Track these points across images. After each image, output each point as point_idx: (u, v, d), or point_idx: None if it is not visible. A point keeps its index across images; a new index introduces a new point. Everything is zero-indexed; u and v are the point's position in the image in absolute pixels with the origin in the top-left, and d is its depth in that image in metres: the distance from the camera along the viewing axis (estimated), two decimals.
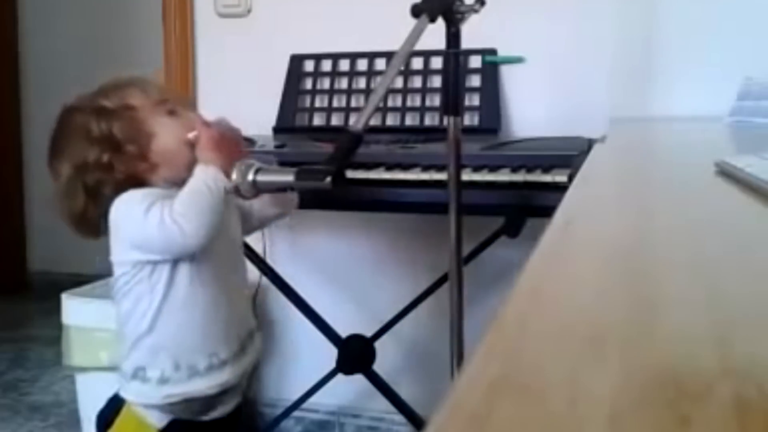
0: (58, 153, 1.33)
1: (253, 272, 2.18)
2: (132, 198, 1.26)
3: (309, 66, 2.17)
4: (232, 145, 1.29)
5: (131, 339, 1.31)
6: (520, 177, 1.56)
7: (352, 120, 1.63)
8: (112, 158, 1.28)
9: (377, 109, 1.98)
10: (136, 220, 1.23)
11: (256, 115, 2.17)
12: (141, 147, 1.29)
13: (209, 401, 1.35)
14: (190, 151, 1.29)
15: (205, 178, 1.23)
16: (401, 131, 2.01)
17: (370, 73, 2.11)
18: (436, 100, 2.03)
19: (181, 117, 1.33)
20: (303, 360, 2.29)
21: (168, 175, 1.31)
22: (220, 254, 1.32)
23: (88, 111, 1.31)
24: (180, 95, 1.36)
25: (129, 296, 1.30)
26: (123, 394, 1.33)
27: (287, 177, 1.14)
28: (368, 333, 2.05)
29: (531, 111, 2.03)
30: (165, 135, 1.31)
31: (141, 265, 1.28)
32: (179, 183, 1.27)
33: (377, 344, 2.05)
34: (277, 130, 2.15)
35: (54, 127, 1.35)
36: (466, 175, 1.54)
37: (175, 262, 1.28)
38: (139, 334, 1.30)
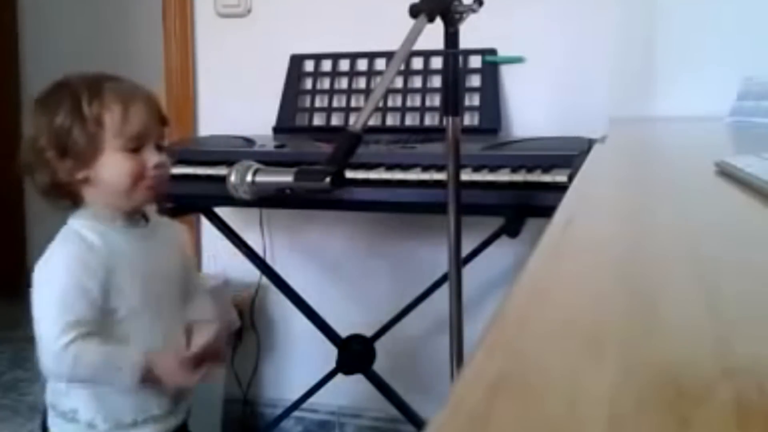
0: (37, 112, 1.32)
1: (253, 272, 2.19)
2: (53, 293, 1.20)
3: (309, 66, 2.17)
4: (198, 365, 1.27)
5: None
6: (520, 177, 1.56)
7: (352, 120, 1.63)
8: (54, 157, 1.27)
9: (377, 109, 1.99)
10: (48, 320, 1.18)
11: (256, 115, 2.18)
12: (81, 165, 1.25)
13: None
14: (131, 185, 1.25)
15: (128, 365, 1.20)
16: (401, 131, 2.01)
17: (370, 73, 2.11)
18: (436, 100, 2.02)
19: (144, 153, 1.26)
20: (303, 360, 2.29)
21: (107, 201, 1.27)
22: (153, 309, 1.28)
23: (69, 98, 1.26)
24: (161, 131, 1.29)
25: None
26: (51, 427, 1.30)
27: (286, 177, 1.13)
28: (368, 333, 2.05)
29: (531, 111, 2.03)
30: (110, 168, 1.25)
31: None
32: (119, 209, 1.27)
33: (377, 344, 2.05)
34: (277, 130, 2.15)
35: (48, 88, 1.31)
36: (466, 175, 1.54)
37: (107, 316, 1.23)
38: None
